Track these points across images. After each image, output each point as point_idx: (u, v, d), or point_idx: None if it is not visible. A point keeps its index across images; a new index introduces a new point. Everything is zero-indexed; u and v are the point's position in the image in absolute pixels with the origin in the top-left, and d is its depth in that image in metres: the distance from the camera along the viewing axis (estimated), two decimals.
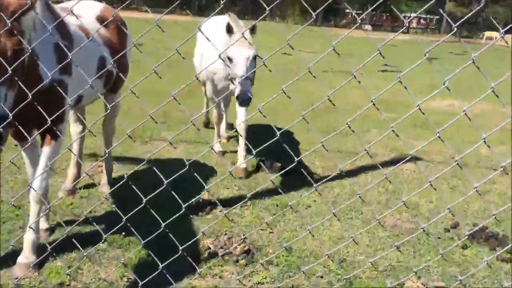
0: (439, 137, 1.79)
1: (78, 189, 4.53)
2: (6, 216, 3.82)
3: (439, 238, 4.13)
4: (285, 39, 1.91)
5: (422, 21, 63.90)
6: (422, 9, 2.18)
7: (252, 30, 4.53)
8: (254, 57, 4.48)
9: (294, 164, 2.13)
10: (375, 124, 8.24)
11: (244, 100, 4.33)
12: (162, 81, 2.16)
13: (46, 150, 3.12)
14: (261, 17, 2.18)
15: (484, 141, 1.75)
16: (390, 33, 49.71)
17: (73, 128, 4.50)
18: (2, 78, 2.31)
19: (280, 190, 3.44)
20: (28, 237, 3.19)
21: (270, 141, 2.15)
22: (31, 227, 3.14)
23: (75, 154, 4.37)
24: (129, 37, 4.29)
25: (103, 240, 2.77)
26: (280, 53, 17.69)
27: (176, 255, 2.48)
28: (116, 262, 3.36)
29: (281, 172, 4.88)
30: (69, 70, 3.09)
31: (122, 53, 3.72)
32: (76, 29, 3.36)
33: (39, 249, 3.22)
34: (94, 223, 3.06)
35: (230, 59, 4.50)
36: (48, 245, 2.78)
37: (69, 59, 2.55)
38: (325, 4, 2.27)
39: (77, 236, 3.44)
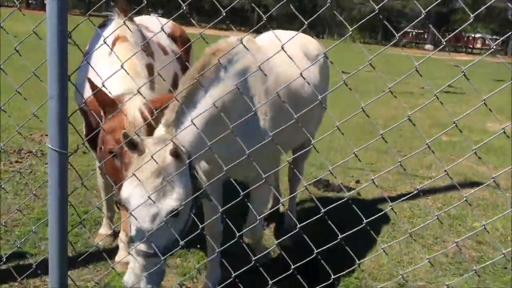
0: (475, 153, 1.68)
1: None
2: (74, 220, 4.02)
3: (505, 268, 3.92)
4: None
5: (487, 42, 61.61)
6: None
7: (176, 152, 2.02)
8: (177, 214, 2.04)
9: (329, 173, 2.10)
10: (435, 147, 7.98)
11: None
12: None
13: None
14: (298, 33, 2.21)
15: None
16: (453, 53, 48.28)
17: None
18: None
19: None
20: None
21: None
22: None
23: None
24: (192, 51, 4.45)
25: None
26: (340, 71, 17.59)
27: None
28: (176, 270, 3.45)
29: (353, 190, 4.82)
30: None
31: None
32: (156, 47, 3.54)
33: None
34: None
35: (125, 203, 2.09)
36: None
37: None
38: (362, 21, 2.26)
39: None
